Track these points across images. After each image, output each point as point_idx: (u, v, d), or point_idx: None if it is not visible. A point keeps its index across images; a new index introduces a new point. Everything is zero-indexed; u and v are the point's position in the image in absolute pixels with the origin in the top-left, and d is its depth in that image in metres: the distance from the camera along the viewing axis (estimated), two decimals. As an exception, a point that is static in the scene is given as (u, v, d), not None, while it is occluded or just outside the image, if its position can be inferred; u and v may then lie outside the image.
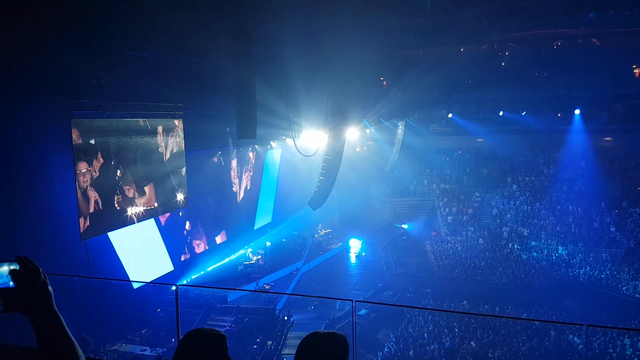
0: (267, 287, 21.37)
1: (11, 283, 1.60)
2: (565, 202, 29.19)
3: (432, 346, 16.00)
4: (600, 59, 25.78)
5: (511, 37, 25.57)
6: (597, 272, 23.80)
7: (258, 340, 17.02)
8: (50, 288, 1.66)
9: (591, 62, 25.91)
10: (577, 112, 27.82)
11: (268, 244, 25.79)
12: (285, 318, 18.69)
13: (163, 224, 19.03)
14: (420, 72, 24.74)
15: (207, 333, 2.16)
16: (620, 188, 28.82)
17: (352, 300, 5.88)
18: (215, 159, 22.85)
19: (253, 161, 26.09)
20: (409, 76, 24.89)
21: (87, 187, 13.66)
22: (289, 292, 22.87)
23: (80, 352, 1.69)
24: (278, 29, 15.28)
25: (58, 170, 13.62)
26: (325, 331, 2.23)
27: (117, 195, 14.97)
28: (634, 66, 27.07)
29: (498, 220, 29.70)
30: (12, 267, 1.61)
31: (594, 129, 28.96)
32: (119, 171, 14.98)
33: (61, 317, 1.67)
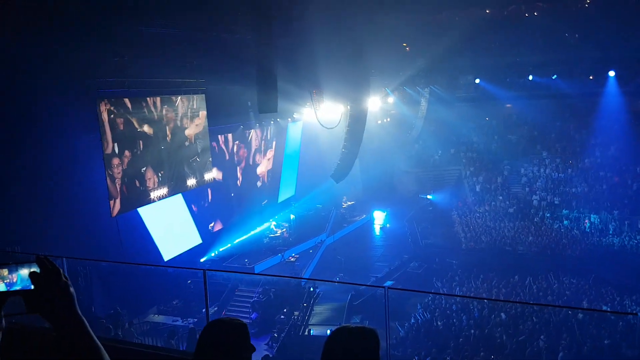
0: (292, 259, 21.59)
1: (32, 286, 1.58)
2: (598, 168, 28.24)
3: (461, 317, 15.92)
4: (636, 16, 24.34)
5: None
6: (632, 240, 23.12)
7: (285, 310, 17.30)
8: (72, 290, 1.60)
9: (626, 20, 24.49)
10: (611, 73, 26.47)
11: (292, 216, 25.93)
12: (312, 289, 18.89)
13: (190, 198, 19.25)
14: (445, 37, 23.87)
15: (229, 323, 2.17)
16: (657, 152, 27.65)
17: (384, 287, 5.85)
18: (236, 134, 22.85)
19: (269, 135, 25.82)
20: (433, 41, 24.05)
21: (115, 164, 13.87)
22: (316, 263, 23.05)
23: (105, 356, 1.62)
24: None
25: (86, 149, 13.83)
26: (354, 326, 2.04)
27: (146, 171, 15.15)
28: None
29: (527, 189, 29.02)
30: (32, 270, 1.59)
31: (630, 91, 27.59)
32: (146, 148, 15.11)
33: (84, 320, 1.61)
